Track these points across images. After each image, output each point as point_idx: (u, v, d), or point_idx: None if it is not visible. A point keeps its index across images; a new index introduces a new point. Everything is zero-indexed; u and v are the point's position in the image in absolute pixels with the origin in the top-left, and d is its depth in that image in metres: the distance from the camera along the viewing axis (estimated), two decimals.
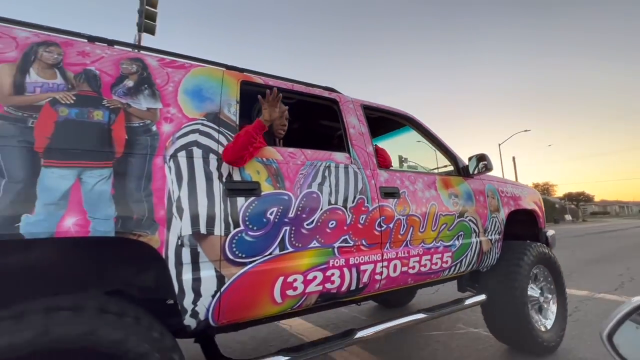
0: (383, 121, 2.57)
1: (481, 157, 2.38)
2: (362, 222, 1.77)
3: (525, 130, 24.90)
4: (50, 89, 1.22)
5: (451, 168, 2.56)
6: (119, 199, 1.18)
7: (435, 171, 2.59)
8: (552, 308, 2.69)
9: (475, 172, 2.41)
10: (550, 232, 3.01)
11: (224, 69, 1.75)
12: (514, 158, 28.51)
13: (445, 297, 2.71)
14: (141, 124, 1.34)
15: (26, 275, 1.24)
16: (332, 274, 1.64)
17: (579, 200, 55.65)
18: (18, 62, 1.20)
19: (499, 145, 24.77)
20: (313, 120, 2.77)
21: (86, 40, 1.44)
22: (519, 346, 2.50)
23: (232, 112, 1.59)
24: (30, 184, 1.06)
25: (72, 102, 1.23)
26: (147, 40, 7.84)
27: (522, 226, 2.95)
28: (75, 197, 1.11)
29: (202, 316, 1.32)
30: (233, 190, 1.42)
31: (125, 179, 1.22)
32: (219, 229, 1.35)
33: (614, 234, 15.35)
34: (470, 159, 2.46)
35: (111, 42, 1.50)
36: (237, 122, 1.59)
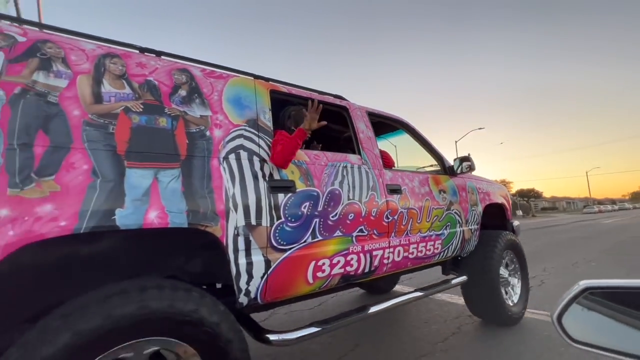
0: (381, 125, 2.88)
1: (465, 159, 2.78)
2: (373, 214, 2.06)
3: (480, 128, 26.63)
4: (122, 98, 1.38)
5: (438, 167, 2.94)
6: (188, 195, 1.38)
7: (428, 169, 2.95)
8: (518, 286, 3.18)
9: (459, 171, 2.80)
10: (515, 223, 3.51)
11: (253, 78, 1.95)
12: (469, 154, 30.12)
13: (420, 283, 3.09)
14: (197, 130, 1.53)
15: (97, 263, 1.40)
16: (352, 259, 1.92)
17: (529, 196, 60.39)
18: (92, 73, 1.34)
19: (456, 142, 26.02)
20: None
21: (138, 51, 1.59)
22: (492, 319, 2.94)
23: (267, 119, 1.81)
24: (119, 182, 1.23)
25: (141, 110, 1.40)
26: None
27: (494, 217, 3.41)
28: (154, 194, 1.30)
29: (252, 295, 1.54)
30: (275, 187, 1.65)
31: (191, 178, 1.41)
32: (265, 221, 1.58)
33: (552, 229, 15.35)
34: (455, 159, 2.85)
35: (159, 53, 1.65)
36: (272, 128, 1.81)
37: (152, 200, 1.28)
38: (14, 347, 0.98)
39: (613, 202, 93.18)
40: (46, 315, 1.06)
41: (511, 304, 3.02)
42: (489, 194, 3.26)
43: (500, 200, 3.41)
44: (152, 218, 1.26)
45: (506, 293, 3.05)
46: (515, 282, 3.20)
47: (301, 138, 1.69)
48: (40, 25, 1.41)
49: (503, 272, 3.05)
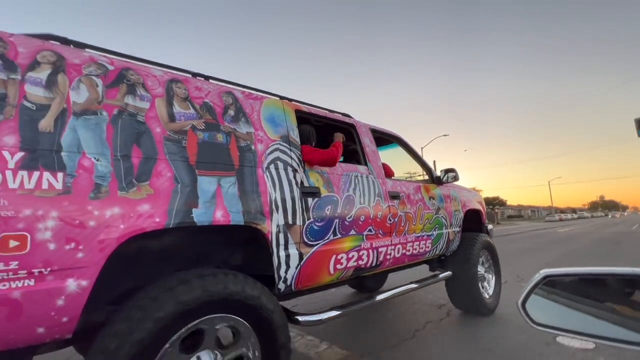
0: (379, 139, 3.28)
1: (450, 170, 3.24)
2: (379, 217, 2.44)
3: (444, 135, 27.43)
4: (189, 117, 1.66)
5: (426, 177, 3.38)
6: (243, 199, 1.67)
7: (419, 179, 3.38)
8: (492, 281, 3.67)
9: (445, 180, 3.26)
10: (490, 226, 4.02)
11: (279, 98, 2.27)
12: (434, 162, 30.45)
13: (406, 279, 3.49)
14: (245, 144, 1.83)
15: (163, 254, 1.66)
16: (363, 254, 2.27)
17: (494, 204, 63.56)
18: (165, 96, 1.62)
19: (422, 148, 26.72)
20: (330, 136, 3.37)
21: (190, 75, 1.88)
22: (471, 309, 3.39)
23: (295, 135, 2.14)
24: (194, 187, 1.52)
25: (203, 127, 1.69)
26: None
27: (472, 222, 3.90)
28: (219, 197, 1.59)
29: (288, 282, 1.85)
30: (305, 193, 1.98)
31: (244, 185, 1.71)
32: (299, 220, 1.89)
33: (506, 238, 15.28)
34: (441, 171, 3.30)
35: (207, 77, 1.95)
36: (299, 142, 2.14)
37: (217, 202, 1.57)
38: (120, 320, 1.22)
39: (574, 210, 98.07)
40: (132, 297, 1.30)
41: (487, 297, 3.49)
42: (469, 201, 3.75)
43: (477, 206, 3.90)
44: (219, 217, 1.55)
45: (482, 287, 3.52)
46: (490, 277, 3.69)
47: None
48: (115, 54, 1.66)
49: (480, 269, 3.52)
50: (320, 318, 1.99)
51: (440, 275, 3.13)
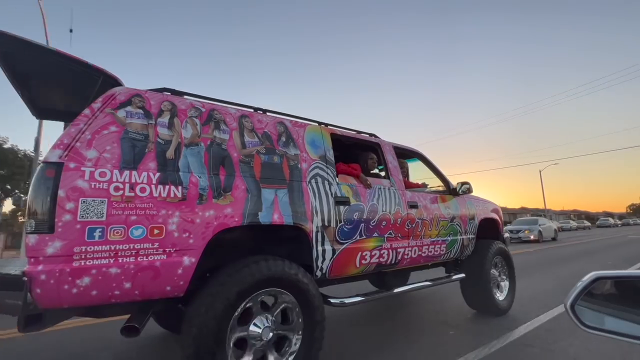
0: (401, 154, 3.75)
1: (465, 183, 3.63)
2: (399, 223, 2.91)
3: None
4: (254, 144, 2.25)
5: (443, 188, 3.79)
6: (292, 205, 2.23)
7: (435, 189, 3.80)
8: (506, 285, 3.99)
9: (461, 192, 3.65)
10: (506, 235, 4.32)
11: (317, 124, 2.83)
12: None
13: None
14: (294, 164, 2.39)
15: (233, 245, 2.25)
16: (384, 253, 2.76)
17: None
18: (238, 129, 2.23)
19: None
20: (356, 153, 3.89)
21: (252, 110, 2.48)
22: (484, 310, 3.73)
23: (331, 155, 2.68)
24: (259, 197, 2.10)
25: (264, 152, 2.27)
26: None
27: (489, 230, 4.23)
28: (276, 204, 2.15)
29: (324, 271, 2.38)
30: (338, 202, 2.51)
31: (293, 195, 2.27)
32: (333, 223, 2.42)
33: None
34: (457, 183, 3.70)
35: (264, 111, 2.54)
36: (334, 161, 2.68)
37: (275, 207, 2.14)
38: (222, 275, 1.82)
39: (610, 215, 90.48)
40: (225, 267, 1.90)
41: (501, 299, 3.82)
42: (484, 211, 4.10)
43: (493, 215, 4.24)
44: (276, 218, 2.12)
45: (497, 290, 3.86)
46: (504, 281, 4.01)
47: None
48: (203, 97, 2.29)
49: (494, 272, 3.86)
50: (348, 301, 2.51)
51: (454, 277, 3.53)
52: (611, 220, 52.74)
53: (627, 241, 14.73)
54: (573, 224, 42.99)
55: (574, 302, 0.76)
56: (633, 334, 0.68)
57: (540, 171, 37.60)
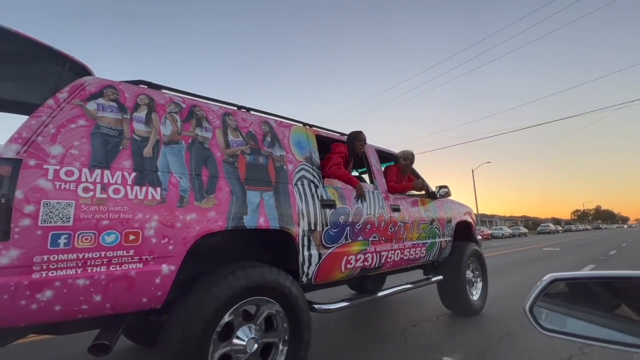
0: (383, 157, 3.77)
1: (443, 187, 3.72)
2: (382, 226, 2.90)
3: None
4: (239, 144, 2.13)
5: (423, 192, 3.85)
6: (278, 208, 2.13)
7: (416, 194, 3.85)
8: (479, 285, 4.12)
9: (439, 195, 3.73)
10: (479, 237, 4.49)
11: (303, 125, 2.75)
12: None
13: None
14: (279, 165, 2.30)
15: (214, 250, 2.11)
16: (368, 257, 2.73)
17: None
18: (222, 127, 2.09)
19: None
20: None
21: (236, 108, 2.35)
22: (459, 310, 3.83)
23: (316, 157, 2.61)
24: (244, 199, 1.98)
25: (249, 152, 2.16)
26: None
27: (463, 232, 4.36)
28: (262, 207, 2.05)
29: (309, 276, 2.30)
30: (324, 205, 2.44)
31: (279, 197, 2.18)
32: (319, 227, 2.35)
33: None
34: (436, 187, 3.77)
35: (248, 109, 2.42)
36: (319, 162, 2.61)
37: (260, 211, 2.03)
38: (197, 291, 1.68)
39: (558, 222, 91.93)
40: (201, 279, 1.76)
41: (475, 299, 3.94)
42: (460, 214, 4.22)
43: (467, 218, 4.38)
44: (262, 222, 2.01)
45: (470, 290, 3.97)
46: (478, 282, 4.14)
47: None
48: (184, 93, 2.13)
49: (468, 274, 3.97)
50: (332, 307, 2.44)
51: (433, 279, 3.59)
52: (552, 227, 50.09)
53: (533, 258, 10.52)
54: (506, 230, 37.69)
55: (532, 304, 0.76)
56: (590, 335, 0.69)
57: (472, 170, 35.82)
